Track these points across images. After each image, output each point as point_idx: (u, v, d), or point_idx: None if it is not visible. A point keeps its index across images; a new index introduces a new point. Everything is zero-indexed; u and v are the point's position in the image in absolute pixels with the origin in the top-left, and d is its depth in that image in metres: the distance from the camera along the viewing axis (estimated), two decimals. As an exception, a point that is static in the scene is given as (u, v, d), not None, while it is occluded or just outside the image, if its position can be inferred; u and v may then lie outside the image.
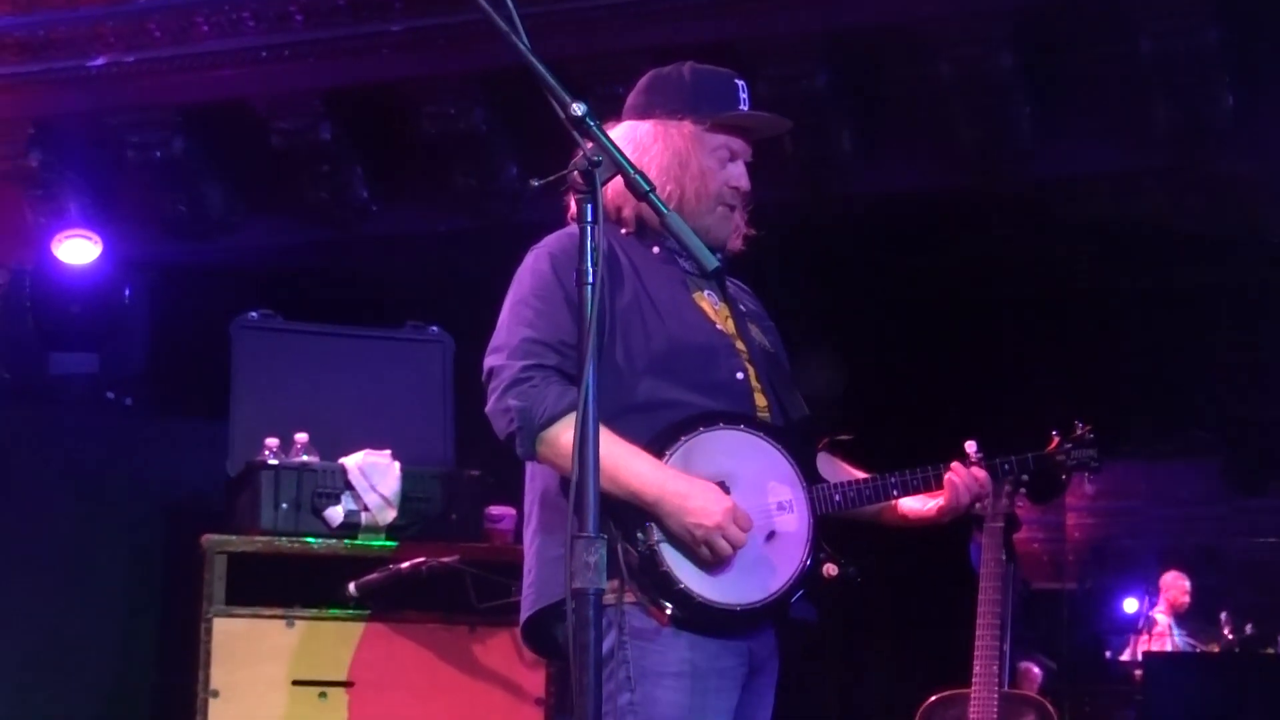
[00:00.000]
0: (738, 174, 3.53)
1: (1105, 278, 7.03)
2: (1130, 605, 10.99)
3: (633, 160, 3.07)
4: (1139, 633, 10.52)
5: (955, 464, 3.49)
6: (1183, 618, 10.44)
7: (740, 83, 3.57)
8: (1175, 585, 10.50)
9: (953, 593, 5.84)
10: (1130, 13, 5.55)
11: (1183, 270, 6.82)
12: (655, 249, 3.46)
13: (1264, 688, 6.94)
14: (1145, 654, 9.81)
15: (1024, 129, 5.93)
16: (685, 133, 3.46)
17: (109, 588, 5.83)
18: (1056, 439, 3.68)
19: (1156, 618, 10.40)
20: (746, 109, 3.56)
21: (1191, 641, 10.31)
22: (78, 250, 6.32)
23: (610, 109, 3.49)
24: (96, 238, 6.32)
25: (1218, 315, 7.13)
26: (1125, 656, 10.34)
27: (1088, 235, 6.65)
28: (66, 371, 6.33)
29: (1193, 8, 5.47)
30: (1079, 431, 3.68)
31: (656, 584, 3.20)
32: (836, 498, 3.38)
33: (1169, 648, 10.08)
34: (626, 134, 3.47)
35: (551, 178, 2.86)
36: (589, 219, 2.78)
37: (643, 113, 3.52)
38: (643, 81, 3.59)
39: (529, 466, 3.41)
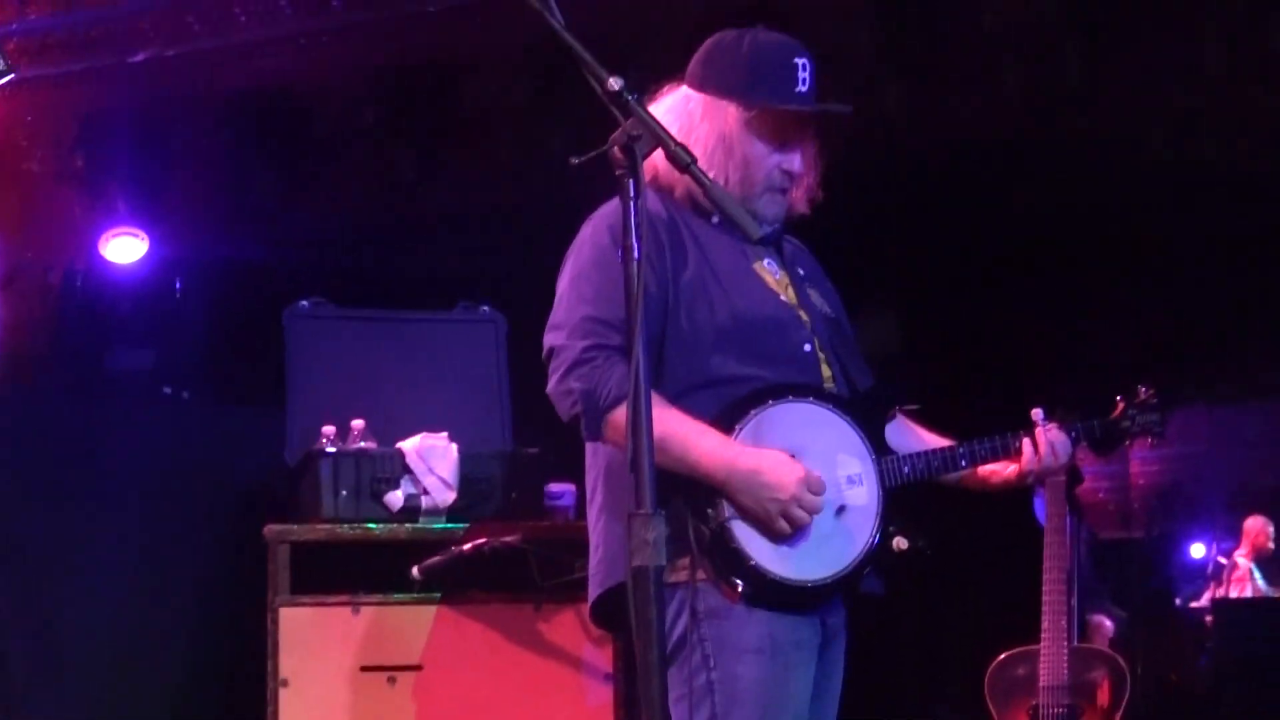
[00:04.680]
0: (789, 158, 3.41)
1: (1163, 222, 6.95)
2: (1197, 551, 10.88)
3: (679, 134, 3.00)
4: (1214, 578, 10.39)
5: (1038, 429, 3.47)
6: (1265, 563, 10.31)
7: (801, 60, 3.39)
8: (1259, 529, 10.37)
9: (1019, 549, 5.80)
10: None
11: (1240, 210, 6.74)
12: (714, 219, 3.36)
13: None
14: (1214, 600, 9.71)
15: (1073, 73, 5.87)
16: (731, 117, 3.36)
17: (177, 579, 5.85)
18: (1121, 404, 3.63)
19: (1238, 561, 10.25)
20: (806, 89, 3.40)
21: (1273, 587, 10.18)
22: (125, 248, 6.34)
23: (655, 78, 3.44)
24: (143, 234, 6.34)
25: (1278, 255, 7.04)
26: (1203, 602, 10.23)
27: (1144, 179, 6.58)
28: (123, 367, 6.35)
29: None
30: (1143, 396, 3.63)
31: (727, 561, 3.17)
32: (905, 470, 3.35)
33: (1249, 593, 9.96)
34: (679, 104, 3.40)
35: (591, 154, 2.80)
36: (631, 194, 2.75)
37: (698, 84, 3.42)
38: (707, 45, 3.47)
39: (590, 444, 3.36)
